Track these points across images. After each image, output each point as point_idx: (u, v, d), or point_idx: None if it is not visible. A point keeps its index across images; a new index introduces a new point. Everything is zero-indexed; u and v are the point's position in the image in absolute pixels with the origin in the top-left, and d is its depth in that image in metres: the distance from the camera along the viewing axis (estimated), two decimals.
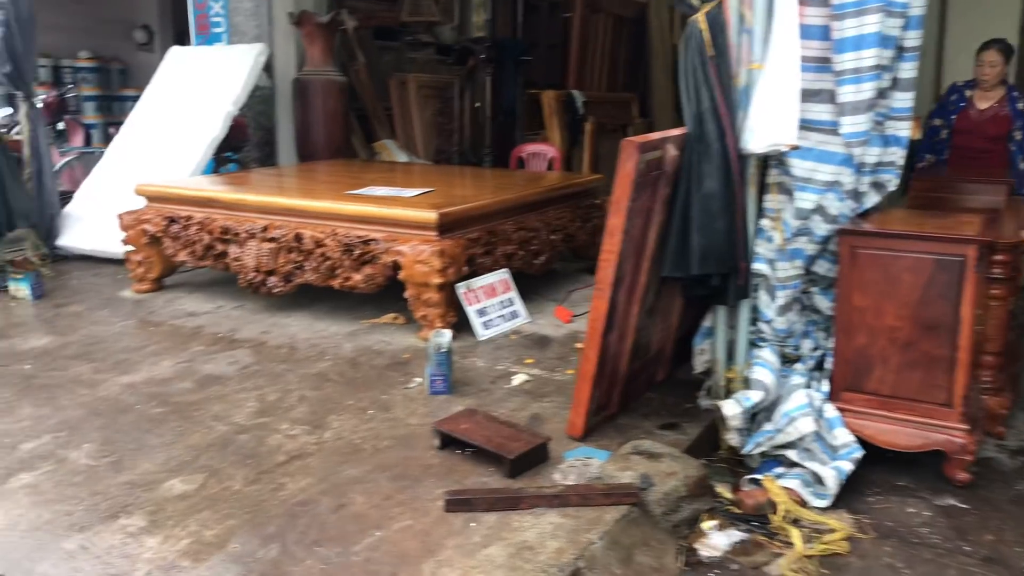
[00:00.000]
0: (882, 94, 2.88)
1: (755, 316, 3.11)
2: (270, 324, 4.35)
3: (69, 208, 5.96)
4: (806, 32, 2.77)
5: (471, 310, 4.06)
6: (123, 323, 4.38)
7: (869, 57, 2.75)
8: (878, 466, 2.97)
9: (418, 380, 3.53)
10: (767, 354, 3.00)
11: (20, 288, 4.83)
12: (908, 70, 2.93)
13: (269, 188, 4.96)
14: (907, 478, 2.97)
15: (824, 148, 2.83)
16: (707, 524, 2.62)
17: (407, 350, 3.92)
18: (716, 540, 2.56)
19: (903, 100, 2.97)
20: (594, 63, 7.89)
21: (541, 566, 2.21)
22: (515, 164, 6.45)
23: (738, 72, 2.93)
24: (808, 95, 2.81)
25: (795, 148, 2.70)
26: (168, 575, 2.22)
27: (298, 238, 4.25)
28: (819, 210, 2.91)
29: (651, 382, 3.36)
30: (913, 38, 2.89)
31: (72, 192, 6.30)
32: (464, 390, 3.42)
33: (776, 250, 2.99)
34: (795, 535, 2.56)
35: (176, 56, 6.62)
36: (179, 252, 4.68)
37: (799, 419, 2.84)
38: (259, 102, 6.87)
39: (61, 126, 7.05)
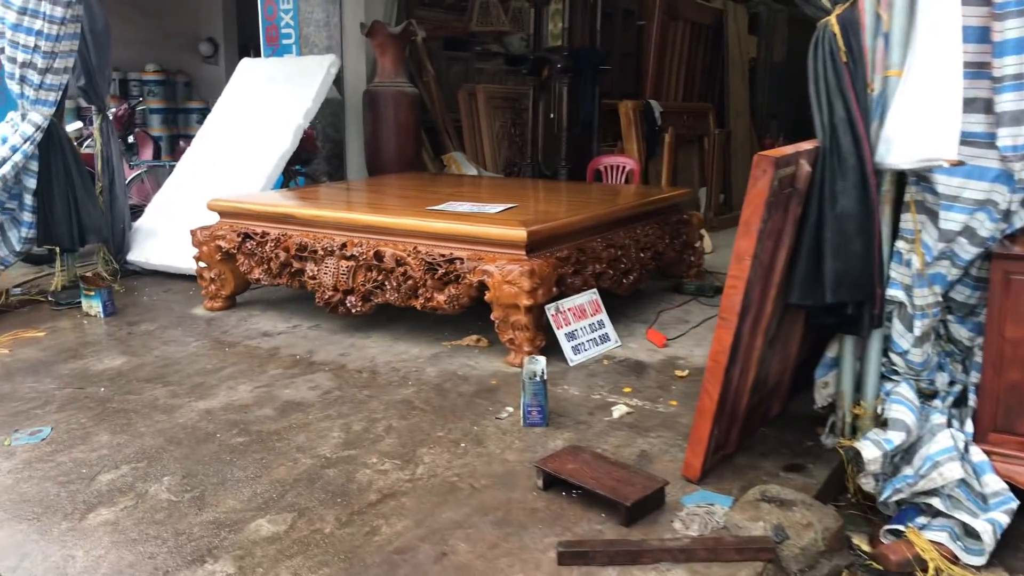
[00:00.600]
0: None
1: (885, 347, 2.84)
2: (348, 345, 4.18)
3: (140, 222, 5.91)
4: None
5: (561, 333, 3.84)
6: (197, 343, 4.26)
7: None
8: None
9: (510, 409, 3.32)
10: (905, 390, 2.72)
11: (92, 305, 4.75)
12: None
13: (346, 203, 4.83)
14: None
15: (976, 163, 2.55)
16: None
17: (494, 375, 3.72)
18: None
19: None
20: (671, 72, 7.64)
21: None
22: (592, 177, 6.23)
23: (871, 79, 2.68)
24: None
25: (959, 164, 2.43)
26: None
27: (378, 256, 4.08)
28: (967, 231, 2.62)
29: (766, 416, 3.10)
30: None
31: (141, 206, 6.27)
32: (560, 422, 3.20)
33: (914, 275, 2.71)
34: None
35: (247, 68, 6.56)
36: (254, 269, 4.55)
37: (944, 464, 2.56)
38: (328, 114, 6.79)
39: (131, 139, 7.02)
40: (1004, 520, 2.50)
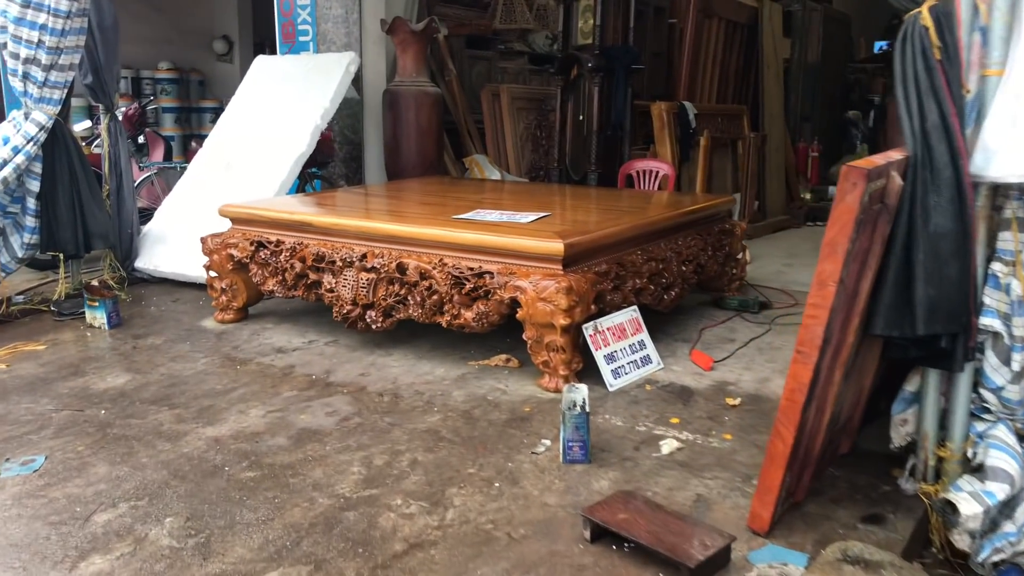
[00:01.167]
0: None
1: (976, 381, 2.53)
2: (368, 364, 3.90)
3: (148, 227, 5.66)
4: None
5: (599, 355, 3.55)
6: (206, 359, 3.99)
7: None
8: None
9: (547, 443, 3.02)
10: (1003, 433, 2.41)
11: (97, 316, 4.49)
12: None
13: (366, 211, 4.57)
14: None
15: None
16: None
17: (527, 401, 3.42)
18: None
19: None
20: (704, 72, 7.34)
21: None
22: (623, 182, 5.93)
23: (966, 79, 2.37)
24: None
25: None
26: None
27: (401, 268, 3.80)
28: None
29: (835, 455, 2.79)
30: None
31: (151, 210, 6.02)
32: (603, 458, 2.90)
33: (1014, 302, 2.40)
34: None
35: (262, 66, 6.29)
36: (267, 280, 4.29)
37: None
38: (346, 115, 6.55)
39: (141, 139, 6.77)
40: None
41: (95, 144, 6.35)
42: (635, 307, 3.81)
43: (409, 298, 3.80)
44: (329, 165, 6.56)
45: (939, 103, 2.30)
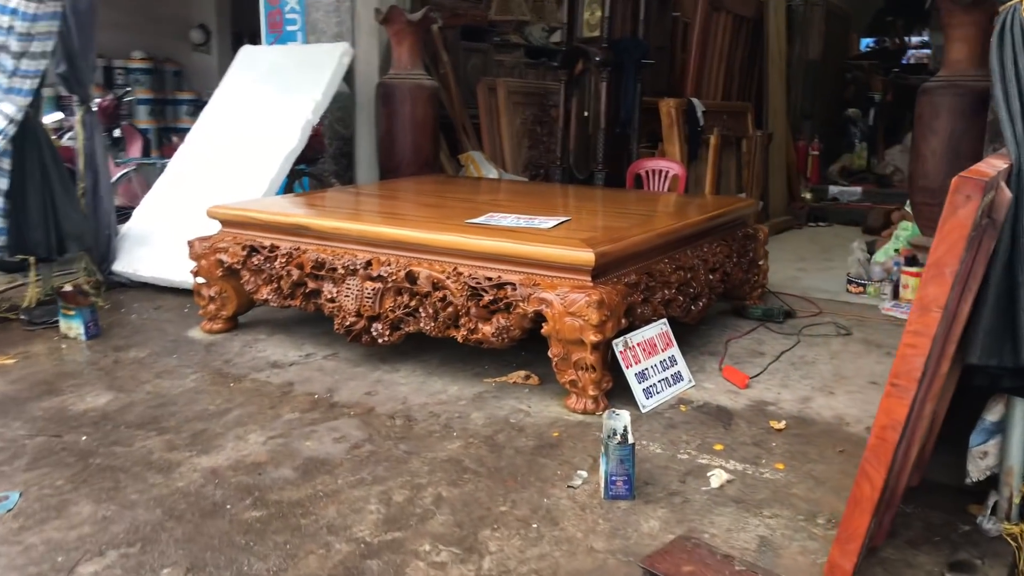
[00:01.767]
0: None
1: None
2: (374, 382, 3.62)
3: (127, 228, 5.34)
4: None
5: (630, 374, 3.29)
6: (196, 375, 3.68)
7: None
8: None
9: (583, 474, 2.76)
10: None
11: (72, 326, 4.16)
12: None
13: (369, 214, 4.31)
14: None
15: None
16: None
17: (554, 425, 3.16)
18: None
19: None
20: (712, 68, 7.10)
21: None
22: (632, 182, 5.67)
23: None
24: None
25: None
26: None
27: (411, 278, 3.53)
28: None
29: (904, 489, 2.54)
30: None
31: (129, 208, 5.67)
32: (648, 493, 2.65)
33: None
34: None
35: (248, 56, 5.98)
36: (261, 288, 3.99)
37: None
38: (336, 108, 6.24)
39: (117, 133, 6.42)
40: None
41: (66, 137, 5.98)
42: (665, 320, 3.56)
43: (420, 310, 3.52)
44: (319, 162, 6.24)
45: None
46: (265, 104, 5.50)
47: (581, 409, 3.23)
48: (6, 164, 4.40)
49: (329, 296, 3.74)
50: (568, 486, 2.69)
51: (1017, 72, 2.12)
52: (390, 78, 6.06)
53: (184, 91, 9.95)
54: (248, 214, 4.08)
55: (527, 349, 3.67)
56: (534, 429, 3.13)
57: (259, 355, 3.96)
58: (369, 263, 3.63)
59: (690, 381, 3.53)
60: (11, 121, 4.35)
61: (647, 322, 3.49)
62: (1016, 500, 2.37)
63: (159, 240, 5.10)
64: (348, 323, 3.68)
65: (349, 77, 6.22)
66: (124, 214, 5.57)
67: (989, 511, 2.43)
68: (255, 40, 6.56)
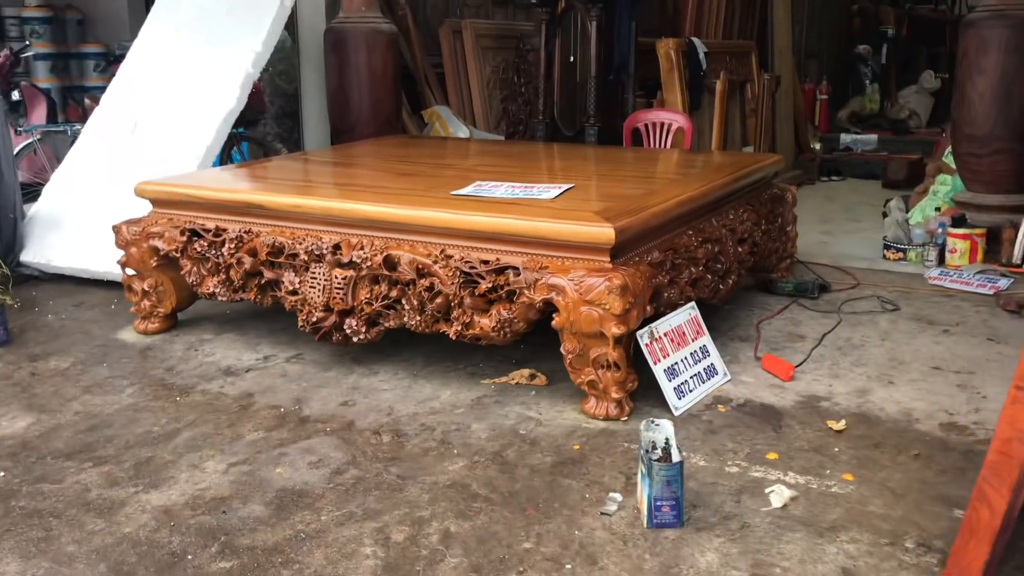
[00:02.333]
0: None
1: None
2: (349, 389, 3.40)
3: (35, 209, 5.06)
4: None
5: (659, 370, 3.12)
6: (133, 388, 3.44)
7: None
8: None
9: (616, 496, 2.58)
10: None
11: None
12: None
13: (334, 186, 4.14)
14: None
15: None
16: None
17: (573, 435, 2.97)
18: None
19: None
20: (711, 2, 6.91)
21: None
22: (630, 138, 5.48)
23: None
24: None
25: None
26: None
27: (389, 263, 3.31)
28: None
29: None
30: None
31: (36, 185, 5.41)
32: (699, 517, 2.47)
33: None
34: None
35: (169, 1, 5.62)
36: (205, 280, 3.76)
37: None
38: (277, 60, 6.03)
39: (16, 96, 6.09)
40: None
41: None
42: (693, 304, 3.38)
43: (403, 301, 3.30)
44: (259, 124, 6.01)
45: None
46: (194, 57, 5.22)
47: (603, 415, 3.05)
48: None
49: (290, 287, 3.52)
50: (601, 513, 2.51)
51: None
52: (340, 22, 5.85)
53: (90, 43, 9.50)
54: (186, 191, 3.82)
55: (527, 341, 3.47)
56: (549, 441, 2.94)
57: (207, 360, 3.72)
58: (338, 247, 3.41)
59: (725, 375, 3.37)
60: None
61: (673, 307, 3.30)
62: None
63: (75, 223, 4.83)
64: (315, 319, 3.46)
65: (291, 23, 5.98)
66: (30, 192, 5.34)
67: None
68: None
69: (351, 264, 3.37)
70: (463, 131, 6.52)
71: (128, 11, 9.29)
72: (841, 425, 2.99)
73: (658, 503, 2.40)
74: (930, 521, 2.43)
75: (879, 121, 9.65)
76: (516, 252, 3.13)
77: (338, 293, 3.40)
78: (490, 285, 3.13)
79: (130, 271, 3.98)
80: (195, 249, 3.75)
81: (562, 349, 3.09)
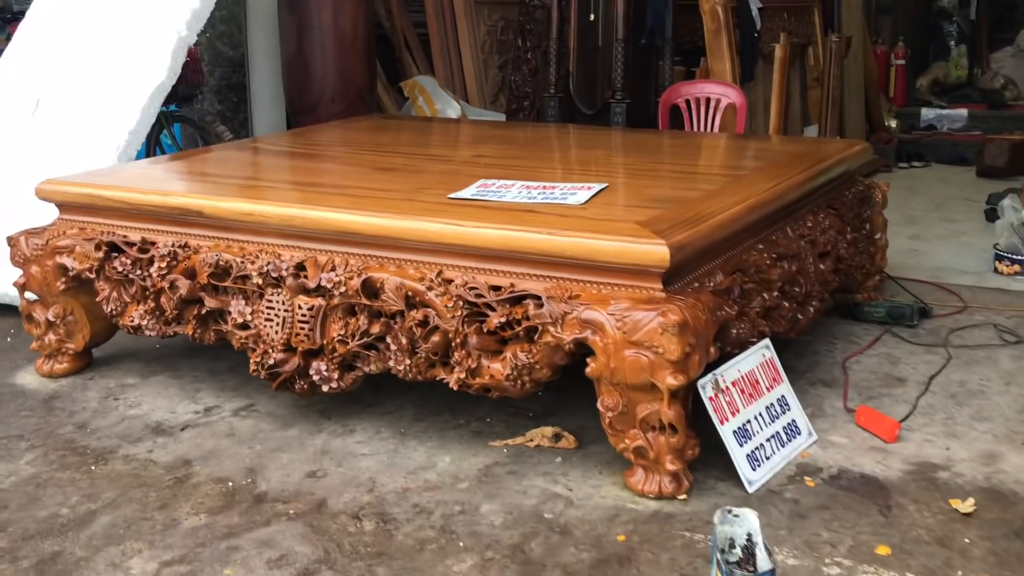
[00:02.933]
0: None
1: None
2: (318, 453, 3.23)
3: None
4: None
5: (727, 432, 2.92)
6: (33, 453, 3.29)
7: None
8: None
9: None
10: None
11: None
12: None
13: (293, 186, 4.02)
14: None
15: None
16: None
17: (615, 520, 2.78)
18: None
19: None
20: None
21: None
22: (667, 118, 5.34)
23: None
24: None
25: None
26: None
27: (369, 289, 3.15)
28: None
29: None
30: None
31: None
32: None
33: None
34: None
35: None
36: (128, 309, 3.70)
37: None
38: (218, 20, 6.10)
39: None
40: None
41: None
42: (767, 342, 3.19)
43: (388, 339, 3.13)
44: (196, 100, 5.95)
45: None
46: (112, 17, 5.22)
47: (655, 492, 2.86)
48: None
49: (240, 320, 3.38)
50: None
51: None
52: None
53: None
54: (103, 193, 3.74)
55: (547, 386, 3.29)
56: (585, 530, 2.74)
57: (131, 413, 3.59)
58: (301, 267, 3.27)
59: (810, 434, 3.20)
60: None
61: (743, 347, 3.11)
62: None
63: None
64: (272, 361, 3.32)
65: None
66: None
67: None
68: None
69: (319, 290, 3.23)
70: (453, 108, 6.52)
71: None
72: (969, 506, 2.80)
73: None
74: None
75: (968, 92, 9.62)
76: (537, 276, 2.96)
77: (302, 328, 3.24)
78: (503, 319, 2.95)
79: (30, 295, 3.92)
80: (115, 268, 3.66)
81: (599, 404, 2.89)
